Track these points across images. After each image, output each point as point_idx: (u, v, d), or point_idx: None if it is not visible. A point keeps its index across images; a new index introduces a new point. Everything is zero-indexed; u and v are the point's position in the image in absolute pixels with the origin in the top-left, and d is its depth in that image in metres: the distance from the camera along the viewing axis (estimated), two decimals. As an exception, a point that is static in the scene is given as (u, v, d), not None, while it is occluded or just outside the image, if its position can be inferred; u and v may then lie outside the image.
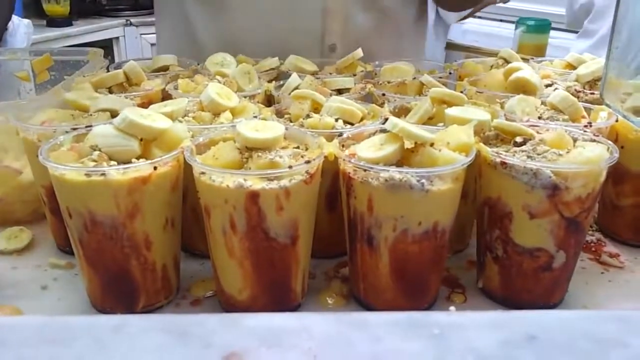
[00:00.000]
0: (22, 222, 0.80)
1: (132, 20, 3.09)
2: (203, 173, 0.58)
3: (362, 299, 0.65)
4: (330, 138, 0.64)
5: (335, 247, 0.70)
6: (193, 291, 0.67)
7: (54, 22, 2.84)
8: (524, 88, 0.82)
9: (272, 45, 1.08)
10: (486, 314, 0.41)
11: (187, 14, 1.18)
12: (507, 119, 0.70)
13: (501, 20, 2.89)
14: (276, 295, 0.62)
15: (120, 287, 0.62)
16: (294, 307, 0.64)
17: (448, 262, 0.68)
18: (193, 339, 0.36)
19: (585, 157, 0.59)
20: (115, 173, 0.57)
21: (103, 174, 0.57)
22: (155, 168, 0.59)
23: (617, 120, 0.73)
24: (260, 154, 0.59)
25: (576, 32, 2.38)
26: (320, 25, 1.11)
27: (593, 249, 0.77)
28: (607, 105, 0.69)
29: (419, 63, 1.02)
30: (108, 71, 0.92)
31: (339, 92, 0.87)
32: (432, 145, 0.60)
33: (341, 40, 1.13)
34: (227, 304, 0.63)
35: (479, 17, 3.09)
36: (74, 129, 0.66)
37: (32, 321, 0.41)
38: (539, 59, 1.06)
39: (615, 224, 0.79)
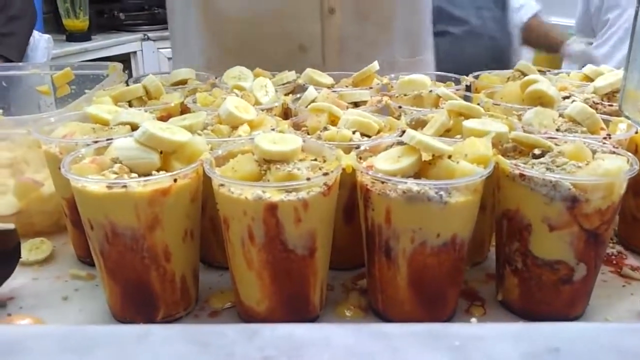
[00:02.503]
0: (43, 233, 0.81)
1: (150, 34, 3.14)
2: (222, 185, 0.59)
3: (380, 311, 0.65)
4: (347, 150, 0.64)
5: (353, 259, 0.70)
6: (212, 302, 0.68)
7: (73, 36, 2.89)
8: (541, 100, 0.82)
9: (272, 11, 1.10)
10: (507, 326, 0.40)
11: None
12: (524, 132, 0.70)
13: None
14: (294, 307, 0.62)
15: (140, 298, 0.63)
16: (312, 319, 0.64)
17: (467, 274, 0.68)
18: (215, 349, 0.36)
19: (605, 169, 0.59)
20: (136, 185, 0.58)
21: (124, 186, 0.58)
22: (175, 180, 0.60)
23: (636, 132, 0.72)
24: (278, 166, 0.60)
25: (591, 43, 2.37)
26: None
27: (614, 261, 0.76)
28: (626, 117, 0.68)
29: (435, 75, 1.02)
30: (127, 85, 0.94)
31: (356, 104, 0.87)
32: (449, 157, 0.60)
33: (339, 3, 1.13)
34: (246, 316, 0.63)
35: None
36: (95, 142, 0.67)
37: (56, 330, 0.42)
38: (556, 71, 1.06)
39: (636, 237, 0.78)
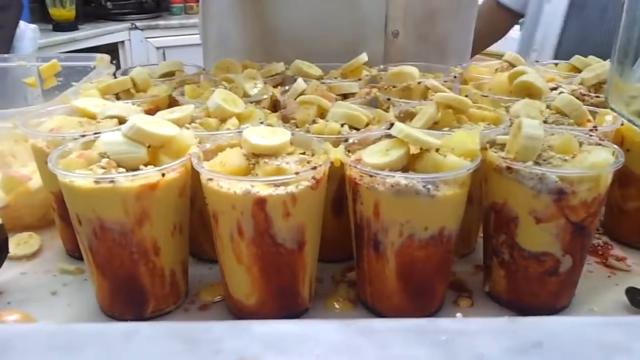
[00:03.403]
0: (31, 227, 0.80)
1: (137, 24, 3.11)
2: (210, 179, 0.59)
3: (368, 303, 0.65)
4: (336, 144, 0.64)
5: (342, 252, 0.71)
6: (201, 296, 0.68)
7: (59, 26, 2.85)
8: (529, 92, 0.82)
9: (336, 38, 1.13)
10: (493, 321, 0.41)
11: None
12: (512, 124, 0.70)
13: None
14: (284, 301, 0.62)
15: (129, 293, 0.63)
16: (302, 312, 0.64)
17: (454, 266, 0.68)
18: (203, 346, 0.36)
19: (591, 162, 0.59)
20: (124, 180, 0.58)
21: (112, 181, 0.57)
22: (163, 175, 0.59)
23: (622, 124, 0.73)
24: (266, 160, 0.60)
25: None
26: (384, 11, 1.14)
27: (600, 252, 0.77)
28: (611, 109, 0.68)
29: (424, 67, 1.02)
30: (115, 77, 0.93)
31: (344, 96, 0.87)
32: (437, 150, 0.60)
33: (403, 27, 1.16)
34: (235, 309, 0.64)
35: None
36: (83, 136, 0.67)
37: (44, 329, 0.42)
38: (545, 62, 1.06)
39: (622, 228, 0.79)
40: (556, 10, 1.58)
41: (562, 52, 1.55)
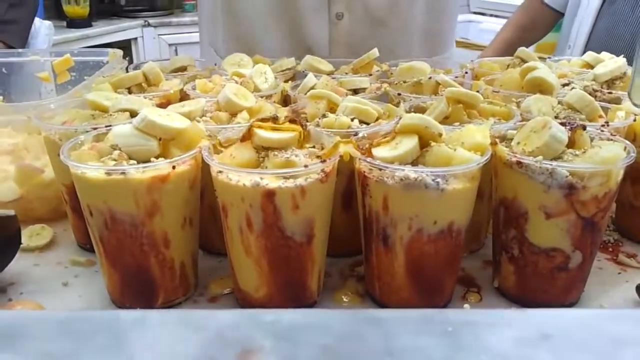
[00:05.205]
0: (43, 219, 0.81)
1: (150, 21, 3.13)
2: (220, 172, 0.59)
3: (377, 297, 0.65)
4: (346, 137, 0.64)
5: (351, 246, 0.71)
6: (211, 288, 0.68)
7: (73, 23, 2.88)
8: (540, 87, 0.82)
9: (280, 18, 1.12)
10: (500, 312, 0.41)
11: None
12: (523, 119, 0.70)
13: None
14: (292, 294, 0.63)
15: (140, 284, 0.63)
16: (310, 306, 0.65)
17: (463, 261, 0.68)
18: (210, 333, 0.36)
19: (602, 157, 0.59)
20: (135, 172, 0.58)
21: (123, 173, 0.58)
22: (173, 167, 0.60)
23: (634, 120, 0.72)
24: (276, 153, 0.60)
25: None
26: None
27: (610, 249, 0.76)
28: (635, 104, 0.68)
29: (435, 62, 1.01)
30: (127, 72, 0.94)
31: (355, 92, 0.87)
32: (447, 144, 0.60)
33: (348, 9, 1.13)
34: (244, 302, 0.64)
35: (496, 16, 3.07)
36: (95, 128, 0.67)
37: (55, 315, 0.42)
38: (556, 58, 1.05)
39: (633, 224, 0.79)
40: (591, 6, 1.56)
41: (590, 47, 1.53)
